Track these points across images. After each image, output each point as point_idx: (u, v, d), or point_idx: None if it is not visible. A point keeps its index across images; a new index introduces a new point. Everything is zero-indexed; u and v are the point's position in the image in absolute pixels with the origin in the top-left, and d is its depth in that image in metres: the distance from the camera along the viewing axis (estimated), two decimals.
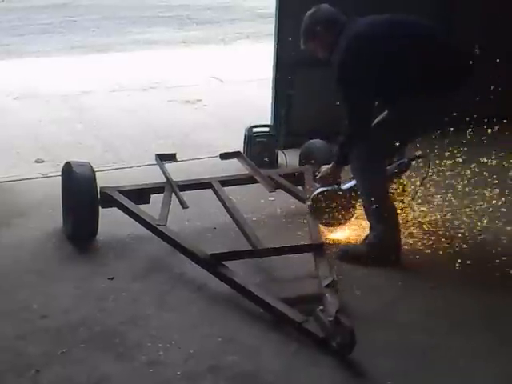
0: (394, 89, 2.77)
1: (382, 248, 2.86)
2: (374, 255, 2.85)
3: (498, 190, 3.34)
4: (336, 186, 3.03)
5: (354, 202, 3.04)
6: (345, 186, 3.07)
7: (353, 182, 3.06)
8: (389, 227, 2.87)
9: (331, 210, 3.02)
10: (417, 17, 2.94)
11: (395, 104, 2.82)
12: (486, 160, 3.44)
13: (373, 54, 2.73)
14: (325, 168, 3.03)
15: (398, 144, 2.83)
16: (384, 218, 2.85)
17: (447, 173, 3.42)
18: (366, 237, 2.94)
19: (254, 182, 3.38)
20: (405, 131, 2.85)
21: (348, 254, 2.92)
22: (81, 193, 3.01)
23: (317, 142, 3.64)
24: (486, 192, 3.37)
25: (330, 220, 3.06)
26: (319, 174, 3.06)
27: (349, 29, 2.80)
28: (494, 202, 3.28)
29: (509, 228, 3.18)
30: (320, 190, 3.03)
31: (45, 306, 2.58)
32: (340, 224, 3.09)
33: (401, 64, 2.74)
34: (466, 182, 3.46)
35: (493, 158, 3.47)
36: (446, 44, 2.84)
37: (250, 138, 4.11)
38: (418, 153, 3.16)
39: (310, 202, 3.06)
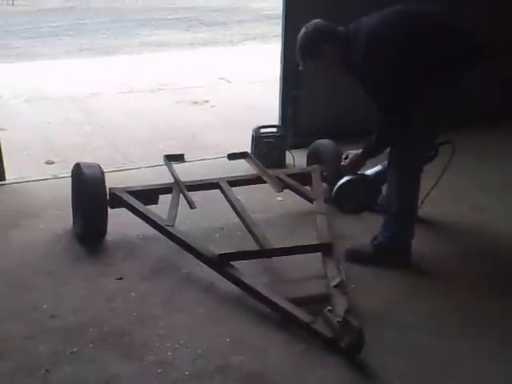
0: (421, 79, 2.65)
1: (391, 251, 2.83)
2: (381, 257, 2.83)
3: None
4: (359, 174, 2.99)
5: (379, 188, 3.05)
6: (369, 172, 3.07)
7: (376, 168, 3.07)
8: (403, 231, 2.83)
9: (356, 197, 2.98)
10: (414, 3, 2.80)
11: (426, 94, 2.67)
12: None
13: (396, 48, 2.62)
14: (352, 155, 2.92)
15: (435, 137, 2.77)
16: (403, 220, 2.82)
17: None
18: (376, 236, 2.91)
19: (262, 182, 3.38)
20: (440, 120, 2.72)
21: (355, 253, 2.90)
22: (90, 194, 3.02)
23: (324, 142, 3.65)
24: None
25: (355, 208, 3.05)
26: (346, 162, 2.94)
27: (359, 31, 2.70)
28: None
29: None
30: (345, 179, 2.96)
31: (54, 306, 2.59)
32: (364, 211, 3.08)
33: (420, 53, 2.64)
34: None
35: None
36: (455, 24, 2.74)
37: (258, 138, 4.11)
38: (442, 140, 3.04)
39: (335, 192, 2.98)
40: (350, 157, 2.94)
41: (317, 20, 2.79)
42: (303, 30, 2.78)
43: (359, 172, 3.00)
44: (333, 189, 3.03)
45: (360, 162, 2.92)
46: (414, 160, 2.77)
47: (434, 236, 3.13)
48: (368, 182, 3.04)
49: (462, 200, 3.52)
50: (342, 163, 2.98)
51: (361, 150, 2.88)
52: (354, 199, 3.01)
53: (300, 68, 2.87)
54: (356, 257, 2.89)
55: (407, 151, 2.73)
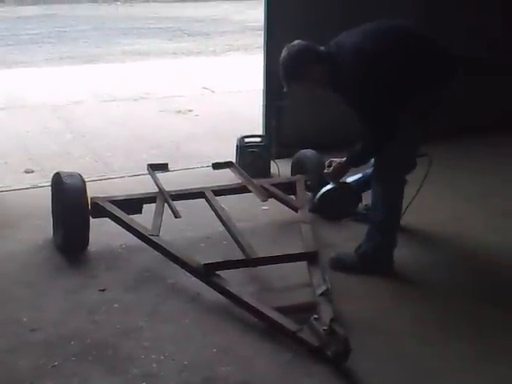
0: (405, 92, 2.70)
1: (375, 260, 2.85)
2: (365, 266, 2.84)
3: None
4: (342, 182, 3.05)
5: (359, 196, 3.14)
6: (350, 180, 3.12)
7: (357, 176, 3.13)
8: (387, 240, 2.85)
9: (338, 205, 3.07)
10: (391, 19, 2.87)
11: (409, 107, 2.71)
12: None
13: (380, 62, 2.65)
14: (335, 163, 2.93)
15: (418, 148, 2.81)
16: (387, 229, 2.84)
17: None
18: (360, 245, 2.92)
19: (247, 191, 3.37)
20: (422, 132, 2.76)
21: (340, 262, 2.90)
22: (71, 203, 2.97)
23: (308, 152, 3.65)
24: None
25: (337, 215, 3.17)
26: (329, 170, 2.96)
27: (342, 49, 2.69)
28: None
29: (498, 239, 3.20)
30: (328, 186, 3.03)
31: (35, 318, 2.53)
32: (345, 217, 3.20)
33: (402, 67, 2.67)
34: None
35: None
36: (430, 37, 2.79)
37: (242, 148, 4.10)
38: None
39: (317, 200, 3.08)
40: (333, 165, 2.95)
41: (298, 41, 2.78)
42: (285, 53, 2.76)
43: (341, 180, 3.04)
44: (316, 196, 3.10)
45: (343, 170, 2.94)
46: (397, 171, 2.80)
47: (415, 245, 3.14)
48: (350, 189, 3.10)
49: (442, 210, 3.54)
50: (326, 171, 3.00)
51: (345, 159, 2.90)
52: (336, 206, 3.09)
53: (284, 90, 2.82)
54: (341, 265, 2.89)
55: (391, 162, 2.75)
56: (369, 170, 3.06)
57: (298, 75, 2.74)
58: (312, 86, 2.81)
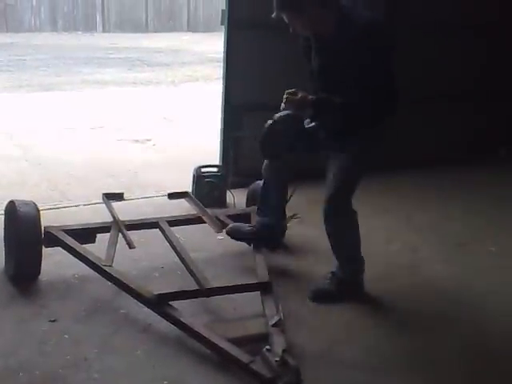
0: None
1: (352, 285, 2.93)
2: (343, 293, 2.90)
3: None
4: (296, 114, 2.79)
5: (310, 140, 2.88)
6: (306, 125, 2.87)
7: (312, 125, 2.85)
8: (358, 266, 2.95)
9: (285, 137, 2.84)
10: None
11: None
12: None
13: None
14: (302, 94, 2.67)
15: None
16: (354, 258, 2.93)
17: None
18: (333, 273, 2.97)
19: (202, 222, 3.39)
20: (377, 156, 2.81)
21: (319, 294, 2.94)
22: (23, 232, 2.93)
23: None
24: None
25: (279, 151, 2.91)
26: (297, 96, 2.67)
27: (358, 9, 2.71)
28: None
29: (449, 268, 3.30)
30: (283, 112, 2.80)
31: None
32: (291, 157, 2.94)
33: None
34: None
35: None
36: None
37: (199, 177, 4.13)
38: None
39: (270, 122, 2.83)
40: (300, 94, 2.67)
41: None
42: None
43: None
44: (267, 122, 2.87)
45: (307, 104, 2.67)
46: (349, 200, 2.83)
47: (369, 275, 3.19)
48: (301, 124, 2.85)
49: (395, 240, 3.63)
50: (286, 96, 2.70)
51: (315, 97, 2.69)
52: (283, 138, 2.85)
53: (272, 16, 2.61)
54: (322, 296, 2.92)
55: (348, 191, 2.79)
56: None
57: (295, 6, 2.57)
58: (303, 24, 2.62)
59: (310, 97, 2.69)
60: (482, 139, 5.14)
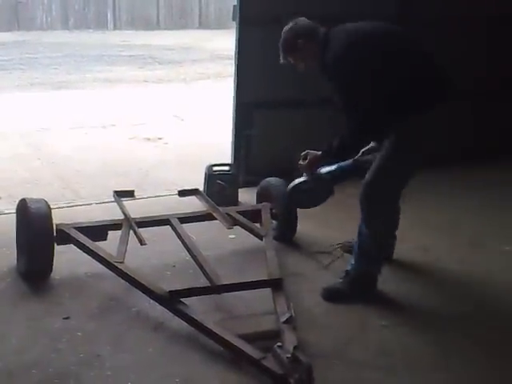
0: (396, 93, 2.69)
1: (363, 283, 2.92)
2: (356, 291, 2.90)
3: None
4: (315, 174, 3.06)
5: (332, 187, 3.13)
6: (324, 171, 3.11)
7: (332, 167, 3.11)
8: (373, 262, 2.92)
9: (310, 196, 3.10)
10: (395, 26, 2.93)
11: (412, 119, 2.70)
12: None
13: (372, 45, 2.72)
14: (311, 155, 2.98)
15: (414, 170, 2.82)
16: (372, 252, 2.89)
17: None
18: (347, 272, 2.97)
19: (212, 218, 3.39)
20: (420, 154, 2.81)
21: (332, 293, 2.94)
22: (35, 230, 2.95)
23: (273, 180, 3.69)
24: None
25: (308, 205, 3.21)
26: (305, 162, 3.00)
27: (340, 30, 2.79)
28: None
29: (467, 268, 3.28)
30: (299, 180, 3.07)
31: None
32: (317, 205, 3.21)
33: (397, 63, 2.71)
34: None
35: None
36: (427, 53, 2.82)
37: (210, 176, 4.14)
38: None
39: (288, 191, 3.12)
40: (309, 157, 2.98)
41: (303, 18, 2.94)
42: (288, 26, 2.92)
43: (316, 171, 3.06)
44: (288, 187, 3.13)
45: (318, 161, 2.98)
46: (389, 191, 2.81)
47: (381, 275, 3.18)
48: (322, 181, 3.10)
49: (407, 239, 3.60)
50: (301, 162, 3.02)
51: (321, 152, 2.94)
52: (308, 197, 3.12)
53: (280, 61, 2.96)
54: (334, 295, 2.92)
55: (386, 180, 2.76)
56: (343, 163, 3.11)
57: (293, 47, 2.89)
58: (302, 60, 2.90)
59: (318, 153, 2.95)
60: (495, 139, 5.06)
